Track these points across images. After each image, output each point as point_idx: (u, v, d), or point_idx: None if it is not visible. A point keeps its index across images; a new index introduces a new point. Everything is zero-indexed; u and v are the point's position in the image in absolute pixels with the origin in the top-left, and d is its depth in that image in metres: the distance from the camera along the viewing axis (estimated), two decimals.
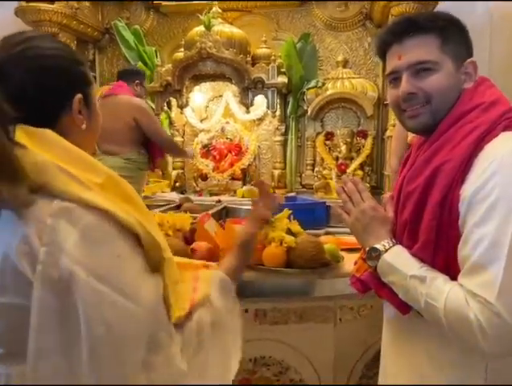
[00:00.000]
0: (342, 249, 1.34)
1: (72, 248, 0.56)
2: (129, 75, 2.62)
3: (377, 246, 0.83)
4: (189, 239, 1.34)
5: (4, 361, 0.63)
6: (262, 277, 1.22)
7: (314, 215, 2.68)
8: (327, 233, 2.69)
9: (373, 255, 0.83)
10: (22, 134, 0.62)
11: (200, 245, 1.24)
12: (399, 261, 0.80)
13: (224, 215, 2.65)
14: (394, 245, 0.83)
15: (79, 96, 0.70)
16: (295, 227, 1.28)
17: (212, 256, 1.24)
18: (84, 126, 0.72)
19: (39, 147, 0.61)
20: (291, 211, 1.44)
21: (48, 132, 0.64)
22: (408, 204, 0.82)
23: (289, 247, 1.20)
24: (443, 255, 0.76)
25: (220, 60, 2.83)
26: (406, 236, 0.82)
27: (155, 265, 0.66)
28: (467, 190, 0.72)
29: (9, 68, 0.65)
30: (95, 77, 3.64)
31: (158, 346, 0.62)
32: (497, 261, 0.66)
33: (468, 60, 0.84)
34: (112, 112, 2.44)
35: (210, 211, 2.46)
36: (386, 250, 0.82)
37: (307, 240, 1.23)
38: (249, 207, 2.54)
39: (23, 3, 3.05)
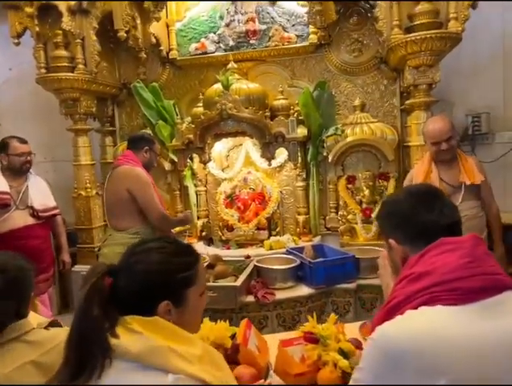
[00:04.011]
0: None
1: None
2: (137, 143, 2.54)
3: None
4: (231, 357, 1.33)
5: None
6: None
7: (344, 270, 2.73)
8: (359, 286, 2.73)
9: None
10: (135, 322, 0.83)
11: (243, 373, 1.26)
12: None
13: (255, 274, 2.70)
14: None
15: (165, 303, 0.87)
16: (346, 345, 1.31)
17: (256, 380, 1.27)
18: (171, 321, 0.87)
19: (152, 331, 0.82)
20: (337, 317, 1.48)
21: (158, 319, 0.84)
22: None
23: (344, 371, 1.23)
24: None
25: (241, 120, 2.87)
26: None
27: None
28: None
29: (121, 276, 0.88)
30: (115, 131, 3.72)
31: None
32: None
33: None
34: (113, 185, 2.47)
35: (243, 276, 2.52)
36: None
37: None
38: (279, 267, 2.63)
39: (43, 72, 3.14)
